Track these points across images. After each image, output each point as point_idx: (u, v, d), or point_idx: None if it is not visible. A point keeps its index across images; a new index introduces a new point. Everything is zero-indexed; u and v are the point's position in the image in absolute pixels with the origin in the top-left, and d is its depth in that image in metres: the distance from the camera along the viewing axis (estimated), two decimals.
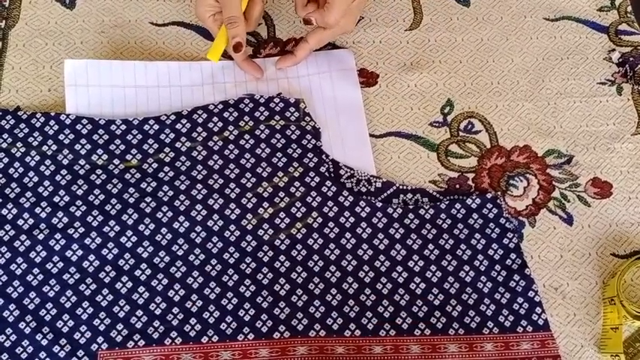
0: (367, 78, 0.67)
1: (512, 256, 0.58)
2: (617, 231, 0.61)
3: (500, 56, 0.69)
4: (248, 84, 0.64)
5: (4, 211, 0.56)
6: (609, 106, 0.67)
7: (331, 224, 0.58)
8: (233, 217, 0.57)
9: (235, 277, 0.55)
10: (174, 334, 0.53)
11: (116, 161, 0.59)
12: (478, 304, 0.56)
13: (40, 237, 0.55)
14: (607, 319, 0.56)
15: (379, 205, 0.59)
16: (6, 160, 0.58)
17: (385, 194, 0.60)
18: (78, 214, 0.56)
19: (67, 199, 0.57)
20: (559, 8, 0.72)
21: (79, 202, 0.57)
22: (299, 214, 0.58)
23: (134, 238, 0.56)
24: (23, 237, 0.55)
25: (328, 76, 0.65)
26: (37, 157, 0.58)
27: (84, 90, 0.61)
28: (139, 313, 0.53)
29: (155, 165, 0.59)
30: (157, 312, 0.53)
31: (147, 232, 0.56)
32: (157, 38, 0.67)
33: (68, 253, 0.55)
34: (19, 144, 0.59)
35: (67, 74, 0.62)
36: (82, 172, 0.58)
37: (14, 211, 0.56)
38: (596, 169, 0.64)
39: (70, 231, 0.55)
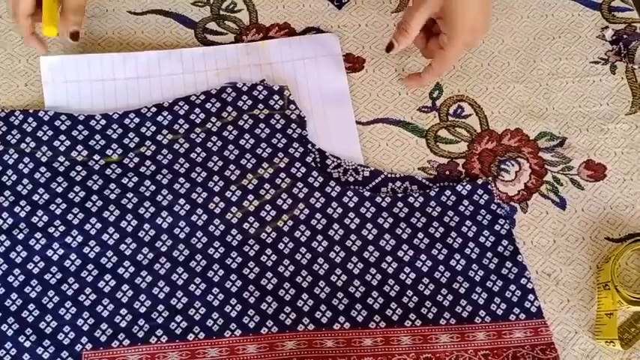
0: (353, 63, 0.65)
1: (504, 242, 0.57)
2: (611, 214, 0.60)
3: (490, 37, 0.67)
4: (230, 71, 0.62)
5: None
6: (603, 85, 0.66)
7: (318, 215, 0.57)
8: (217, 210, 0.56)
9: (221, 272, 0.54)
10: (159, 332, 0.52)
11: (96, 157, 0.58)
12: (469, 292, 0.55)
13: (20, 237, 0.54)
14: (601, 304, 0.55)
15: (367, 194, 0.58)
16: None
17: (373, 183, 0.59)
18: (58, 212, 0.55)
19: (46, 197, 0.55)
20: None
21: (58, 200, 0.55)
22: (285, 206, 0.57)
23: (116, 235, 0.55)
24: (3, 237, 0.54)
25: (313, 62, 0.63)
26: (16, 155, 0.57)
27: (62, 87, 0.60)
28: (124, 311, 0.52)
29: (136, 159, 0.58)
30: (142, 310, 0.52)
31: (129, 229, 0.55)
32: (135, 27, 0.65)
33: (49, 253, 0.54)
34: None
35: (43, 72, 0.60)
36: (61, 169, 0.57)
37: None
38: (590, 151, 0.62)
39: (51, 230, 0.54)
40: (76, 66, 0.61)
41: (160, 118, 0.59)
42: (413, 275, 0.55)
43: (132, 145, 0.58)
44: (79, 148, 0.58)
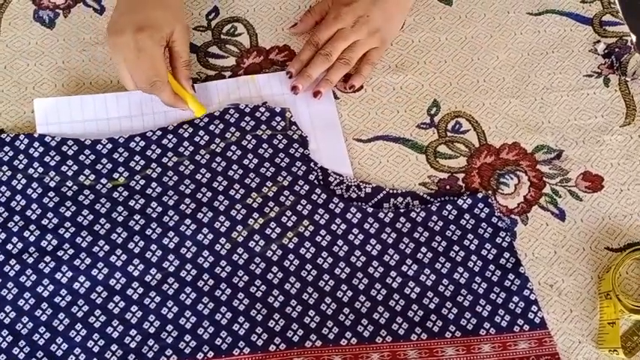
0: None
1: (506, 255, 0.58)
2: (610, 224, 0.61)
3: (485, 54, 0.69)
4: (222, 105, 0.63)
5: None
6: (597, 98, 0.67)
7: (323, 232, 0.58)
8: (223, 230, 0.57)
9: (228, 291, 0.55)
10: (169, 352, 0.52)
11: (103, 180, 0.59)
12: (474, 305, 0.56)
13: (30, 261, 0.55)
14: (604, 313, 0.56)
15: (370, 210, 0.59)
16: None
17: (376, 199, 0.60)
18: (67, 235, 0.56)
19: (55, 221, 0.56)
20: (542, 2, 0.72)
21: (67, 224, 0.56)
22: (290, 224, 0.58)
23: (124, 257, 0.55)
24: (13, 261, 0.55)
25: (302, 94, 0.64)
26: (24, 181, 0.58)
27: (55, 127, 0.61)
28: (133, 332, 0.53)
29: (142, 182, 0.59)
30: (151, 330, 0.53)
31: (137, 250, 0.56)
32: None
33: (58, 276, 0.54)
34: (4, 168, 0.58)
35: (37, 114, 0.61)
36: (69, 193, 0.58)
37: (3, 235, 0.55)
38: (587, 162, 0.64)
39: (60, 253, 0.55)
40: (69, 107, 0.62)
41: (164, 141, 0.60)
42: (417, 289, 0.56)
43: (138, 167, 0.59)
44: (87, 172, 0.59)
